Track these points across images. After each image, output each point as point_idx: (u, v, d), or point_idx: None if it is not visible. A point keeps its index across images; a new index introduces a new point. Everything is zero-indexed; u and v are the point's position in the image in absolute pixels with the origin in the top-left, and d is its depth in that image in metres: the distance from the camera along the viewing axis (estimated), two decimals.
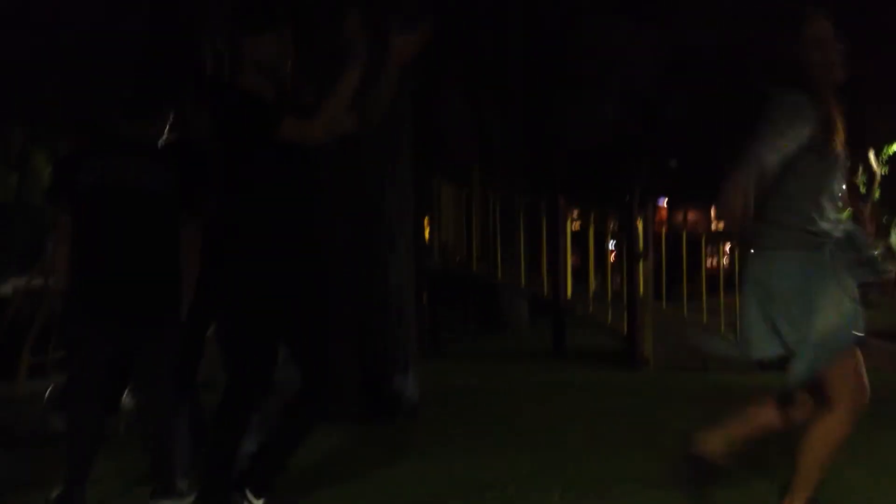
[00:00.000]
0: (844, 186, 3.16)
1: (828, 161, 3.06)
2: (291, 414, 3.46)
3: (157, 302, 3.60)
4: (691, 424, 5.45)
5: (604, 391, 7.27)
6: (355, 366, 5.58)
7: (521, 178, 13.86)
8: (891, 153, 17.61)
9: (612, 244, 12.89)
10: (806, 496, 3.13)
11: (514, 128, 14.25)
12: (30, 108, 15.28)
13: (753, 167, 2.91)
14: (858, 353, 3.09)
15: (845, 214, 3.19)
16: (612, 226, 12.89)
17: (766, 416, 3.30)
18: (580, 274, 11.70)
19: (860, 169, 16.90)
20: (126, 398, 4.17)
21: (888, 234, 17.75)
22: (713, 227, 23.11)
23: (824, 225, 3.04)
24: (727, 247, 12.44)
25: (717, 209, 3.52)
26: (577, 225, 13.86)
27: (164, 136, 3.86)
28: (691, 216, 26.25)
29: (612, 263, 12.57)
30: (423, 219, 12.16)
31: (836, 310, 2.98)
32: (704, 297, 9.81)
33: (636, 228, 9.21)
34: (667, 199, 23.69)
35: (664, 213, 23.71)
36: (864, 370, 3.09)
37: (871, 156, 17.17)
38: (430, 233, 12.50)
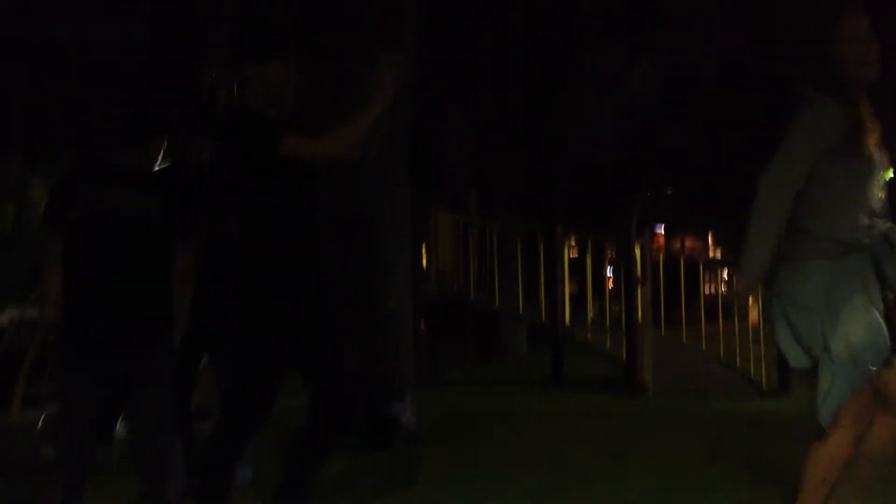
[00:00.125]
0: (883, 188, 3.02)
1: (860, 164, 2.95)
2: (308, 443, 3.40)
3: (149, 331, 3.57)
4: (694, 450, 5.45)
5: (604, 417, 7.23)
6: (361, 391, 5.54)
7: (519, 205, 13.87)
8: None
9: (609, 271, 12.87)
10: None
11: (511, 155, 14.28)
12: (28, 137, 15.31)
13: (773, 217, 2.88)
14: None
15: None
16: (609, 253, 12.89)
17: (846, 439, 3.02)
18: (578, 301, 11.69)
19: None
20: (119, 427, 4.13)
21: None
22: (710, 254, 23.11)
23: (853, 233, 2.93)
24: (725, 274, 12.43)
25: (737, 272, 3.43)
26: (574, 252, 13.86)
27: (159, 162, 3.85)
28: (689, 243, 26.25)
29: (610, 290, 12.55)
30: (421, 246, 12.15)
31: (862, 323, 2.88)
32: (703, 324, 9.79)
33: (634, 255, 9.20)
34: (664, 226, 23.69)
35: (661, 240, 23.71)
36: None
37: None
38: (427, 260, 12.48)
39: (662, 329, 10.77)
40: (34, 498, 4.26)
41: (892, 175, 3.13)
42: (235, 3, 8.93)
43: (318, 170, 3.35)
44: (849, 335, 2.88)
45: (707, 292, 13.37)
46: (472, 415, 7.48)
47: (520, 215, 13.05)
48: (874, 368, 2.89)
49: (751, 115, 16.28)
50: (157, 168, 3.84)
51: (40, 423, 4.94)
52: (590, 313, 10.84)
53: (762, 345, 8.95)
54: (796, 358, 3.05)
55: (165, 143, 3.78)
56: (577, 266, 11.75)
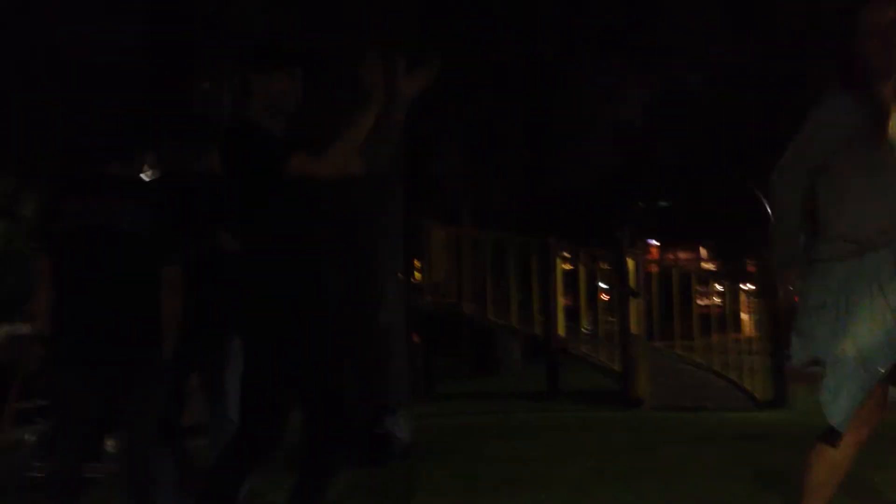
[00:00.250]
0: None
1: (879, 155, 2.86)
2: (308, 467, 3.35)
3: (137, 342, 3.53)
4: (694, 462, 5.43)
5: (601, 430, 7.19)
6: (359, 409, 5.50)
7: (513, 218, 13.86)
8: None
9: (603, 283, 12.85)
10: None
11: (504, 168, 14.29)
12: (19, 154, 15.27)
13: (787, 209, 2.89)
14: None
15: None
16: (602, 265, 12.87)
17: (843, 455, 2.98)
18: (572, 313, 11.66)
19: None
20: (109, 442, 4.09)
21: None
22: (702, 265, 23.13)
23: (869, 231, 2.86)
24: (718, 286, 12.45)
25: (778, 296, 3.39)
26: (568, 264, 13.83)
27: (149, 174, 3.82)
28: (683, 255, 26.30)
29: (605, 303, 12.52)
30: (414, 259, 12.12)
31: (873, 325, 2.82)
32: (696, 336, 9.78)
33: (627, 267, 9.19)
34: (657, 239, 23.75)
35: (655, 253, 23.75)
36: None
37: None
38: (421, 274, 12.45)
39: (656, 341, 10.74)
40: None
41: None
42: (231, 13, 8.93)
43: (323, 187, 3.31)
44: (858, 337, 2.84)
45: (702, 303, 13.37)
46: (467, 429, 7.44)
47: (514, 228, 13.03)
48: (883, 371, 2.84)
49: (745, 129, 16.36)
50: (147, 180, 3.81)
51: (31, 440, 4.89)
52: (584, 326, 10.81)
53: (757, 355, 8.94)
54: (799, 357, 3.02)
55: (156, 154, 3.76)
56: (572, 279, 11.73)
